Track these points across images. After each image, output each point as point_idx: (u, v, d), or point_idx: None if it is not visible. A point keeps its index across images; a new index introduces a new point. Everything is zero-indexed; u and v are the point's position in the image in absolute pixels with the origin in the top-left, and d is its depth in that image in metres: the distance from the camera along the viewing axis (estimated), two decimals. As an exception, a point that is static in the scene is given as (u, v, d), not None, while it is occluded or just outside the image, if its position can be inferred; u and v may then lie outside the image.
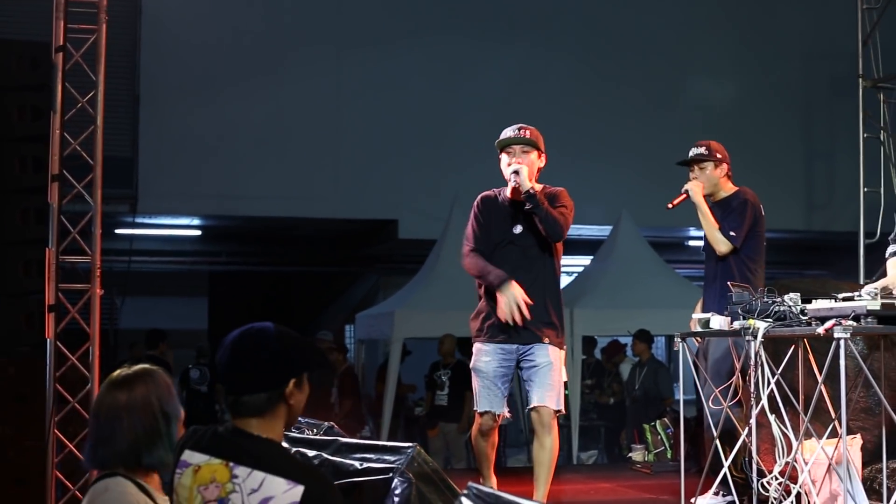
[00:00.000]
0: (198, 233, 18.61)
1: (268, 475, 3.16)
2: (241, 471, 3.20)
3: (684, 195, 7.26)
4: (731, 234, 7.08)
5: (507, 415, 6.74)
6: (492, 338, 6.67)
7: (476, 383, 6.74)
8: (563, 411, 6.68)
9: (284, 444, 3.42)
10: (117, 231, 16.02)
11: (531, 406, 6.58)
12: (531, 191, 6.57)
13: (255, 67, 15.49)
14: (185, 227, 18.00)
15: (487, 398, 6.68)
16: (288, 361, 3.31)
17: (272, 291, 21.57)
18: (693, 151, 7.38)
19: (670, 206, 7.28)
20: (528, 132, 6.85)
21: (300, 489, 3.12)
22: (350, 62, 15.87)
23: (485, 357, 6.69)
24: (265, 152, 15.46)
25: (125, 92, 14.80)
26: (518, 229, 6.72)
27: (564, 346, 6.71)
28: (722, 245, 7.10)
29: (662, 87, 17.08)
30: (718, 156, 7.31)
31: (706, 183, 7.28)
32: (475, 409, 6.76)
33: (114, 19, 9.23)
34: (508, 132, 6.87)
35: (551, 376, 6.55)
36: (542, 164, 6.85)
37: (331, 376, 14.69)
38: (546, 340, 6.60)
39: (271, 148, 15.49)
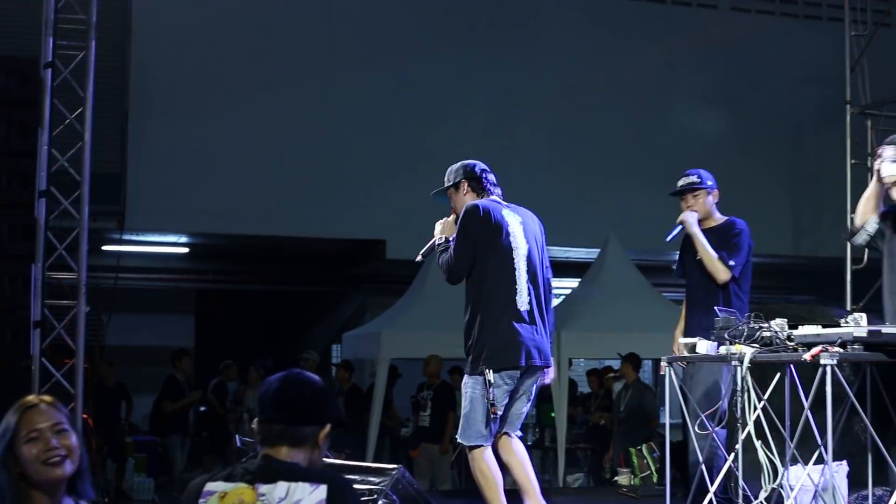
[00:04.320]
0: (185, 250, 18.57)
1: (291, 483, 3.37)
2: (265, 488, 3.39)
3: (680, 227, 7.31)
4: (731, 263, 7.12)
5: None
6: None
7: None
8: (462, 441, 6.34)
9: None
10: (104, 248, 15.97)
11: None
12: (436, 242, 6.59)
13: (245, 85, 15.47)
14: (172, 244, 17.95)
15: None
16: (331, 405, 3.58)
17: (259, 310, 21.55)
18: (684, 180, 7.41)
19: (669, 239, 7.34)
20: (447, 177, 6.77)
21: (324, 487, 3.36)
22: (340, 81, 15.86)
23: None
24: (254, 170, 15.44)
25: (114, 108, 14.77)
26: None
27: (475, 372, 6.25)
28: (723, 273, 7.13)
29: (650, 112, 17.10)
30: (710, 183, 7.36)
31: (701, 210, 7.32)
32: None
33: (103, 35, 9.24)
34: None
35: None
36: (460, 203, 6.56)
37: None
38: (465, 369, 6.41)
39: (260, 166, 15.47)
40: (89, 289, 8.85)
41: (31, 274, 8.40)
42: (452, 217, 6.62)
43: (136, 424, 16.31)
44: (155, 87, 15.12)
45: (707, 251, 7.19)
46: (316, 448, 3.52)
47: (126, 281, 16.46)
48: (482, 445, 6.26)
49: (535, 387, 6.49)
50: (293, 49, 15.81)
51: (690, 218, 7.31)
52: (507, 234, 6.37)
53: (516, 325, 6.28)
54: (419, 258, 6.82)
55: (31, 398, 3.74)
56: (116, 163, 14.98)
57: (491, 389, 6.17)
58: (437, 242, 6.57)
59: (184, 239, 17.64)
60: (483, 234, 6.33)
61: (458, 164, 6.73)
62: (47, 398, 3.75)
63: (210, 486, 3.45)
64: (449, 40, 16.41)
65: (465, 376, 6.34)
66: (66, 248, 8.76)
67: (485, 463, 6.24)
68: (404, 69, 16.10)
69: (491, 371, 6.19)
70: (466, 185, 6.63)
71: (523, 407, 6.47)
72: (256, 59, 15.63)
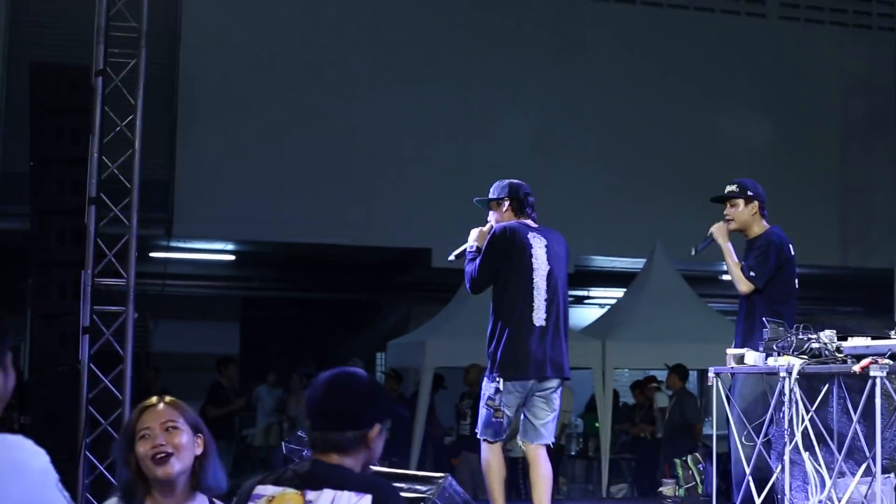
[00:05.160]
0: (231, 258, 18.67)
1: (336, 491, 3.34)
2: (312, 494, 3.37)
3: (709, 239, 7.32)
4: (751, 273, 7.08)
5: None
6: None
7: None
8: (483, 437, 6.97)
9: None
10: (152, 254, 16.07)
11: None
12: (468, 249, 7.17)
13: (292, 94, 15.56)
14: (218, 251, 18.05)
15: None
16: (377, 406, 3.52)
17: (304, 318, 21.59)
18: (726, 189, 7.42)
19: (694, 253, 7.37)
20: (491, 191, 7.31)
21: (368, 497, 3.31)
22: (386, 90, 15.91)
23: None
24: (300, 179, 15.50)
25: (163, 116, 14.86)
26: None
27: (490, 378, 6.88)
28: (742, 284, 7.13)
29: (697, 121, 17.03)
30: (749, 193, 7.32)
31: (737, 219, 7.31)
32: None
33: (153, 43, 9.29)
34: None
35: None
36: (499, 217, 7.16)
37: None
38: None
39: (306, 174, 15.53)
40: (137, 295, 8.90)
41: (81, 280, 8.45)
42: (488, 227, 7.16)
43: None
44: (203, 96, 15.22)
45: (730, 262, 7.22)
46: (368, 449, 3.48)
47: (173, 288, 16.57)
48: (490, 441, 6.90)
49: (555, 396, 7.01)
50: (340, 58, 15.87)
51: (718, 229, 7.32)
52: (530, 256, 6.95)
53: (530, 339, 6.86)
54: (451, 258, 7.40)
55: (153, 399, 3.80)
56: (165, 170, 15.08)
57: (499, 396, 6.77)
58: (468, 249, 7.12)
59: (230, 246, 17.74)
60: (506, 253, 6.94)
61: (506, 181, 7.23)
62: (168, 398, 3.80)
63: (259, 489, 3.43)
64: (495, 51, 16.40)
65: (485, 379, 7.00)
66: (115, 255, 8.82)
67: (492, 455, 6.92)
68: (451, 79, 16.12)
69: (502, 380, 6.80)
70: (508, 203, 7.18)
71: (546, 417, 6.98)
72: (304, 68, 15.70)
